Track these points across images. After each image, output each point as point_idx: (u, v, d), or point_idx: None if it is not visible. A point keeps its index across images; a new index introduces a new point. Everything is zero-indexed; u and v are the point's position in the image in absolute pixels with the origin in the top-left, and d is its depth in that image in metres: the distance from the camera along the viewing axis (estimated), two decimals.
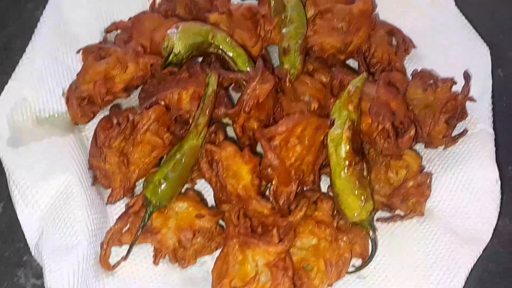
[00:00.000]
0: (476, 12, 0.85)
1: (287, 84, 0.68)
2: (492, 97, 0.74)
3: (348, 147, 0.61)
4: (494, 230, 0.64)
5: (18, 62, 0.74)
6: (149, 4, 0.83)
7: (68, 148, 0.69)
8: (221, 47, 0.72)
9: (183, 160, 0.61)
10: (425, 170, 0.69)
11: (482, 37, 0.79)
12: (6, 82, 0.72)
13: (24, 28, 0.80)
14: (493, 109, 0.74)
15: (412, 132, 0.63)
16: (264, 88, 0.65)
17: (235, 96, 0.77)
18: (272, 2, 0.75)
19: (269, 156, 0.59)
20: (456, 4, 0.82)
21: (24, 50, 0.75)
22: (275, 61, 0.82)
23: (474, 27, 0.80)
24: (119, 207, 0.67)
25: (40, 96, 0.72)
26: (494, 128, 0.72)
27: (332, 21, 0.74)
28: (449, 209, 0.67)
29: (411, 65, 0.80)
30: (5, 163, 0.66)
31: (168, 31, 0.69)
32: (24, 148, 0.67)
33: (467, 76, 0.71)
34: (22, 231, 0.63)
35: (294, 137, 0.60)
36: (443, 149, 0.72)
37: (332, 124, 0.62)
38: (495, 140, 0.71)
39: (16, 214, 0.64)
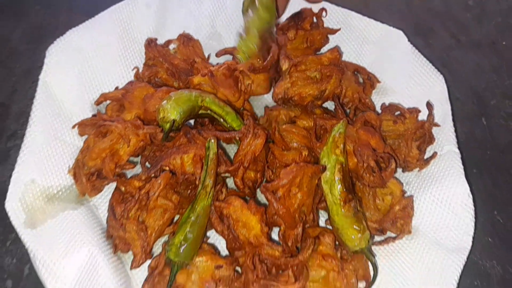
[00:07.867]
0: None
1: (276, 135, 0.75)
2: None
3: (341, 187, 0.69)
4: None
5: None
6: (134, 73, 0.88)
7: (83, 220, 0.72)
8: (211, 108, 0.78)
9: (198, 221, 0.67)
10: (405, 193, 0.77)
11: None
12: None
13: None
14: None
15: (393, 166, 0.71)
16: (258, 143, 0.72)
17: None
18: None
19: (275, 206, 0.66)
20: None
21: None
22: (258, 111, 0.89)
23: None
24: (139, 268, 0.71)
25: (46, 175, 0.75)
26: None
27: (306, 72, 0.81)
28: (432, 225, 0.74)
29: (377, 98, 0.89)
30: (27, 244, 0.68)
31: (162, 103, 0.74)
32: (42, 227, 0.71)
33: (430, 106, 0.80)
34: None
35: (294, 187, 0.67)
36: (418, 171, 0.80)
37: (324, 169, 0.70)
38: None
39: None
